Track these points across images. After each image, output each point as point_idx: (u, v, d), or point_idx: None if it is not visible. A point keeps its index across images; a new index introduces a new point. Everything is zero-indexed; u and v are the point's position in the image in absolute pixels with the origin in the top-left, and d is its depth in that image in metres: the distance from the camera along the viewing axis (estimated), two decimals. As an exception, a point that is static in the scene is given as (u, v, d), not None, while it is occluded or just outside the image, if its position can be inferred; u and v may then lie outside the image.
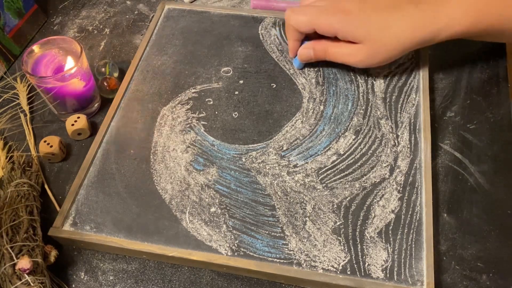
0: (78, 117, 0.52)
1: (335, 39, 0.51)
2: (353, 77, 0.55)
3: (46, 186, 0.49)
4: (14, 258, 0.39)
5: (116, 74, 0.58)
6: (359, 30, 0.48)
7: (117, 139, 0.51)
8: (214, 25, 0.61)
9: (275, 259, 0.42)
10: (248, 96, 0.54)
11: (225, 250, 0.43)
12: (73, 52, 0.52)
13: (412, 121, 0.50)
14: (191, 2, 0.66)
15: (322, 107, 0.52)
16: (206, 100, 0.54)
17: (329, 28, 0.49)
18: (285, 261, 0.42)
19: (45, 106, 0.56)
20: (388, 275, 0.41)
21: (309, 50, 0.53)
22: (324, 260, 0.42)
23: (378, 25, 0.48)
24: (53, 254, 0.42)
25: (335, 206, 0.45)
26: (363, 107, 0.52)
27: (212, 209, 0.45)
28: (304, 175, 0.47)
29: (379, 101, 0.52)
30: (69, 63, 0.51)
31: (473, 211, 0.46)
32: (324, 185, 0.46)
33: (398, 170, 0.47)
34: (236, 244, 0.43)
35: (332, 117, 0.51)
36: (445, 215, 0.46)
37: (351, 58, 0.51)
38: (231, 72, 0.56)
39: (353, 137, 0.50)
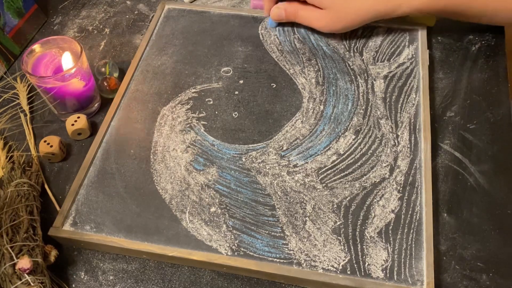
0: (78, 117, 0.52)
1: (305, 3, 0.56)
2: (353, 77, 0.55)
3: (46, 186, 0.49)
4: (14, 258, 0.39)
5: (116, 74, 0.58)
6: None
7: (117, 139, 0.51)
8: (214, 25, 0.61)
9: (275, 259, 0.42)
10: (248, 96, 0.54)
11: (225, 250, 0.43)
12: (73, 52, 0.52)
13: (412, 121, 0.50)
14: (191, 2, 0.66)
15: (322, 107, 0.52)
16: (206, 100, 0.54)
17: None
18: (285, 261, 0.42)
19: (45, 106, 0.56)
20: (388, 275, 0.41)
21: (281, 10, 0.58)
22: (324, 260, 0.42)
23: None
24: (53, 254, 0.42)
25: (335, 206, 0.45)
26: (363, 107, 0.52)
27: (212, 209, 0.45)
28: (304, 175, 0.47)
29: (379, 101, 0.52)
30: (67, 60, 0.51)
31: (473, 211, 0.46)
32: (324, 185, 0.46)
33: (398, 170, 0.47)
34: (236, 244, 0.43)
35: (332, 117, 0.51)
36: (445, 215, 0.46)
37: (317, 22, 0.56)
38: (231, 72, 0.56)
39: (353, 137, 0.50)
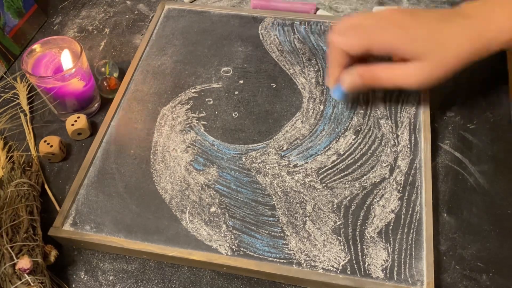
0: (78, 117, 0.52)
1: (380, 61, 0.47)
2: (353, 77, 0.54)
3: (46, 186, 0.49)
4: (14, 258, 0.39)
5: (116, 74, 0.58)
6: (420, 44, 0.44)
7: (117, 139, 0.51)
8: (214, 25, 0.61)
9: (275, 259, 0.42)
10: (248, 96, 0.54)
11: (225, 250, 0.43)
12: (73, 52, 0.52)
13: (412, 121, 0.50)
14: (191, 2, 0.66)
15: (322, 107, 0.52)
16: (206, 100, 0.54)
17: (387, 45, 0.45)
18: (285, 261, 0.42)
19: (45, 106, 0.56)
20: (388, 275, 0.41)
21: (355, 76, 0.46)
22: (324, 260, 0.42)
23: (436, 39, 0.44)
24: (53, 254, 0.42)
25: (335, 206, 0.45)
26: (363, 107, 0.52)
27: (212, 209, 0.45)
28: (304, 175, 0.47)
29: (379, 101, 0.52)
30: (66, 58, 0.51)
31: (473, 211, 0.46)
32: (324, 185, 0.46)
33: (398, 170, 0.47)
34: (236, 244, 0.43)
35: (332, 117, 0.51)
36: (445, 215, 0.46)
37: (408, 79, 0.45)
38: (231, 72, 0.56)
39: (353, 137, 0.50)
